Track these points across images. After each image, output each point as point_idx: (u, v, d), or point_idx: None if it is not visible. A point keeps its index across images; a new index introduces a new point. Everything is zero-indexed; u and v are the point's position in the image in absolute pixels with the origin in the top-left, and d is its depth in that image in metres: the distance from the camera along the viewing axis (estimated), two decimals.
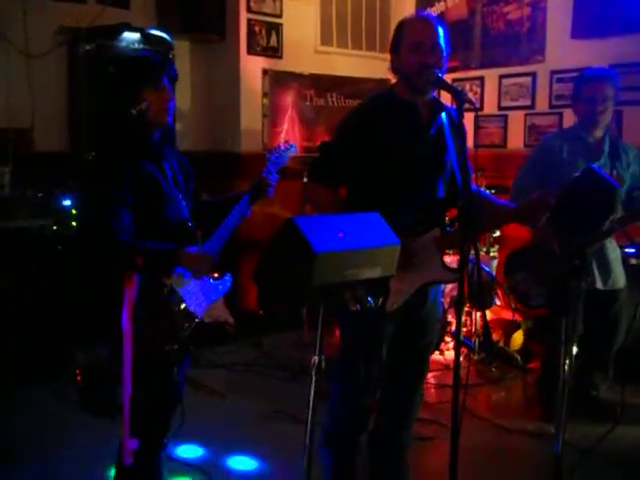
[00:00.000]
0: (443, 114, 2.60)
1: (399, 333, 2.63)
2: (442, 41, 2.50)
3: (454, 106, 2.45)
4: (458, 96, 2.26)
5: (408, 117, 2.56)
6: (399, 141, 2.52)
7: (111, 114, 2.50)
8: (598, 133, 3.73)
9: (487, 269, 4.72)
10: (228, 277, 2.55)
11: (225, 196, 2.73)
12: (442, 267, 2.55)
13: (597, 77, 3.69)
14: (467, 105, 2.25)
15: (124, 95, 2.41)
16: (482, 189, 2.81)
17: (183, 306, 2.39)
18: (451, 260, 3.28)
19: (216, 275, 2.51)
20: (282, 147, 2.73)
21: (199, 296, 2.44)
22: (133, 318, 2.22)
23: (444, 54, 2.51)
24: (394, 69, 2.57)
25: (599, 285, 3.72)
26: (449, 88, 2.40)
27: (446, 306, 4.74)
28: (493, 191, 4.48)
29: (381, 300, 2.28)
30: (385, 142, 2.50)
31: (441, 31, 2.51)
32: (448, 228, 2.58)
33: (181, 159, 2.61)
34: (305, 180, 4.18)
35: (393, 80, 2.63)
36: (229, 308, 2.60)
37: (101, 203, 2.32)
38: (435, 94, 2.64)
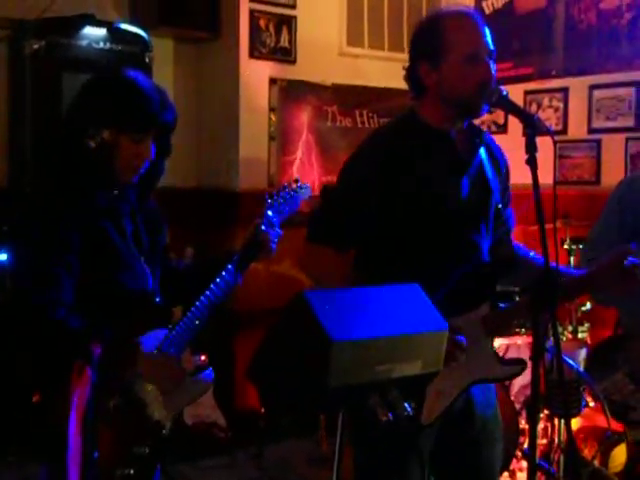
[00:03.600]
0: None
1: (443, 456, 2.61)
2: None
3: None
4: (529, 123, 2.28)
5: (443, 152, 2.59)
6: (432, 185, 2.54)
7: (63, 140, 2.52)
8: None
9: (572, 362, 4.66)
10: (209, 372, 2.55)
11: (207, 258, 2.73)
12: (494, 358, 2.56)
13: None
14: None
15: (79, 120, 2.44)
16: (527, 249, 2.83)
17: (144, 414, 2.38)
18: (499, 346, 3.26)
19: (191, 367, 2.51)
20: (289, 188, 2.73)
21: (167, 398, 2.43)
22: (83, 431, 2.21)
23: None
24: (424, 88, 2.59)
25: None
26: (516, 111, 2.43)
27: (517, 407, 4.68)
28: (580, 246, 4.45)
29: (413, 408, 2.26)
30: (413, 187, 2.52)
31: (488, 33, 2.58)
32: (501, 303, 2.58)
33: (148, 206, 2.63)
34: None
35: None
36: (220, 406, 2.59)
37: (33, 264, 2.33)
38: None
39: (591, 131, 5.73)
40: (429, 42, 2.56)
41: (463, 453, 2.67)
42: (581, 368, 4.67)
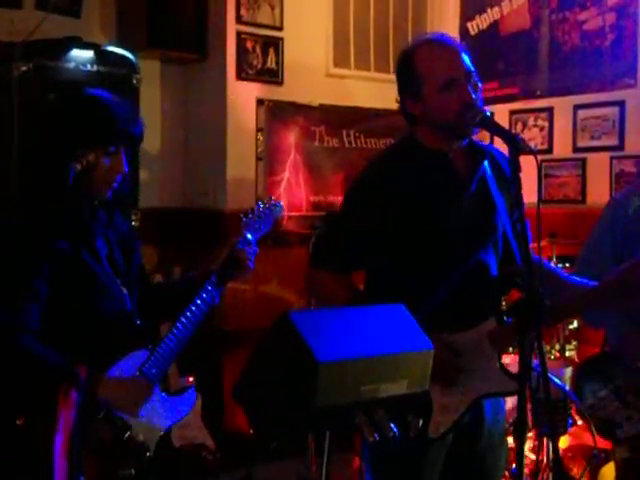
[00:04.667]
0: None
1: (452, 469, 2.62)
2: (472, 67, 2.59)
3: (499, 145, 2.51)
4: (513, 144, 2.29)
5: (440, 172, 2.61)
6: (430, 205, 2.57)
7: (50, 163, 2.51)
8: None
9: (558, 382, 4.64)
10: (191, 392, 2.54)
11: (186, 277, 2.72)
12: (502, 373, 2.55)
13: None
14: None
15: (60, 142, 2.44)
16: (547, 261, 2.84)
17: (127, 435, 2.37)
18: (512, 361, 3.26)
19: (176, 388, 2.50)
20: (262, 206, 2.75)
21: (150, 419, 2.41)
22: (69, 453, 2.19)
23: (479, 85, 2.59)
24: (415, 117, 2.63)
25: None
26: (500, 132, 2.43)
27: (506, 427, 4.65)
28: (567, 264, 4.44)
29: (421, 423, 2.26)
30: (414, 209, 2.55)
31: (465, 55, 2.59)
32: (507, 318, 2.58)
33: (119, 225, 2.63)
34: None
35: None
36: (208, 427, 2.58)
37: (3, 289, 2.32)
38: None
39: (576, 150, 5.76)
40: (406, 77, 2.62)
41: (468, 467, 2.69)
42: (567, 387, 4.66)
